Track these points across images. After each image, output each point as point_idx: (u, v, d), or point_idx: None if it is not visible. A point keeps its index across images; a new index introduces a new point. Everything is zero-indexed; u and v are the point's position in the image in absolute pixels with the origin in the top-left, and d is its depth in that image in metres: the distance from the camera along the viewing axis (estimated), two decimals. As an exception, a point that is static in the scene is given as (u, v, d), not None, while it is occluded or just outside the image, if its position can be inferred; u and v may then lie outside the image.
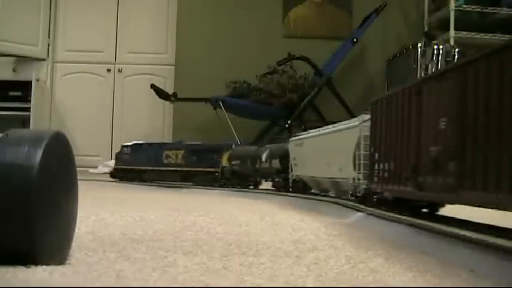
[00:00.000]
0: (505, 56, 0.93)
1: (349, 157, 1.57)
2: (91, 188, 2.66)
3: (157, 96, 5.30)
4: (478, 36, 5.46)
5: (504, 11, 5.46)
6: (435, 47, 5.20)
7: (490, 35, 5.48)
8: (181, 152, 4.07)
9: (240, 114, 5.13)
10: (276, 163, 2.71)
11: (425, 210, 1.15)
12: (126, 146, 4.56)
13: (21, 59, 6.05)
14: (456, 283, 0.65)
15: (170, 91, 5.43)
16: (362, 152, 1.49)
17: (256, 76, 5.27)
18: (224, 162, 3.65)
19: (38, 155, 0.63)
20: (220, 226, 1.17)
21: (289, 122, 5.02)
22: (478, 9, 5.46)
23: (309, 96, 5.10)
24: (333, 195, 2.00)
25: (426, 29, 5.95)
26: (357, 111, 5.30)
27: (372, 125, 1.40)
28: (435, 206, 1.15)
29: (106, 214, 1.30)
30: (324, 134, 2.10)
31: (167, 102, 5.63)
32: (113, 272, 0.64)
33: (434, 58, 5.19)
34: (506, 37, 5.42)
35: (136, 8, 6.25)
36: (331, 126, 2.19)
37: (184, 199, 2.21)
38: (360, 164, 1.50)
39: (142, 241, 0.90)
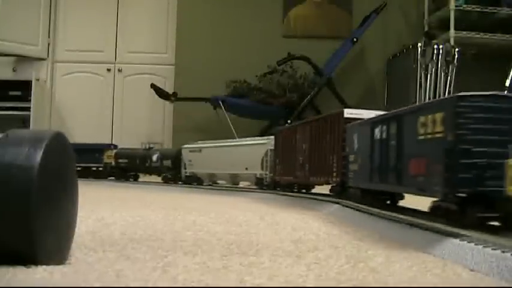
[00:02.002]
0: (320, 120, 2.11)
1: (258, 161, 2.52)
2: (91, 188, 2.67)
3: (157, 96, 5.30)
4: (478, 35, 5.46)
5: (504, 10, 5.46)
6: (435, 46, 5.21)
7: (490, 34, 5.48)
8: None
9: (240, 113, 5.13)
10: (167, 163, 3.62)
11: (388, 202, 1.35)
12: None
13: (21, 59, 6.04)
14: (456, 283, 0.65)
15: (170, 91, 5.43)
16: (269, 158, 2.45)
17: (256, 76, 5.27)
18: (106, 159, 4.68)
19: (38, 155, 0.63)
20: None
21: (289, 121, 5.02)
22: (478, 9, 5.47)
23: (308, 96, 5.10)
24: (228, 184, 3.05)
25: (426, 28, 5.95)
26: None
27: (275, 144, 2.39)
28: (395, 197, 1.33)
29: (106, 214, 1.30)
30: (229, 146, 3.11)
31: (167, 102, 5.63)
32: (113, 272, 0.64)
33: (434, 58, 5.20)
34: (506, 37, 5.43)
35: (136, 7, 6.25)
36: (235, 141, 3.35)
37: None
38: (267, 165, 2.47)
39: (142, 241, 0.90)
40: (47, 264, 0.65)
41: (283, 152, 2.26)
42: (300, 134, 1.97)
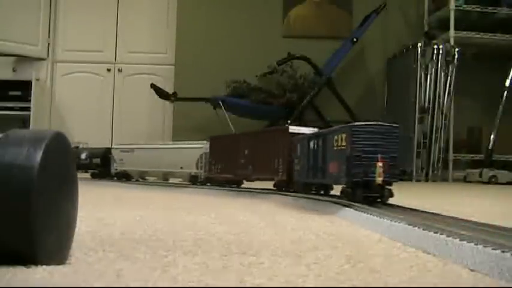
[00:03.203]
0: (265, 132, 2.60)
1: (193, 161, 2.98)
2: (91, 188, 2.66)
3: (157, 96, 5.31)
4: (478, 36, 5.47)
5: (504, 10, 5.47)
6: (435, 46, 5.21)
7: (490, 34, 5.49)
8: None
9: (239, 114, 5.14)
10: (97, 160, 3.92)
11: (322, 191, 1.87)
12: None
13: (21, 59, 6.05)
14: (456, 283, 0.65)
15: (170, 91, 5.44)
16: (203, 160, 2.89)
17: (256, 76, 5.28)
18: None
19: (38, 155, 0.63)
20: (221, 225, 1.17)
21: (289, 121, 5.02)
22: (478, 9, 5.47)
23: (308, 96, 5.10)
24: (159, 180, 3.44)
25: (426, 28, 5.96)
26: (356, 111, 5.32)
27: (210, 147, 2.81)
28: (327, 188, 1.86)
29: (106, 214, 1.30)
30: (164, 148, 3.48)
31: (167, 102, 5.64)
32: (113, 272, 0.64)
33: (434, 58, 5.20)
34: (506, 37, 5.43)
35: (136, 7, 6.25)
36: (170, 143, 3.95)
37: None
38: (202, 165, 2.91)
39: (142, 241, 0.90)
40: (47, 264, 0.65)
41: (220, 155, 2.71)
42: (241, 142, 2.50)
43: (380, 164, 1.36)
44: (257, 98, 5.04)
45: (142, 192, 2.54)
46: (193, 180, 2.98)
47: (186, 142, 3.30)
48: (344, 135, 1.43)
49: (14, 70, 6.09)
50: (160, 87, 5.32)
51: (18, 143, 0.65)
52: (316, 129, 1.94)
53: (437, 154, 5.26)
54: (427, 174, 5.24)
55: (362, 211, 1.30)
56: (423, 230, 0.93)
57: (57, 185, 0.69)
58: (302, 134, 1.93)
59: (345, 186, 1.50)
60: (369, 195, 1.40)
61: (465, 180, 5.12)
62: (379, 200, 1.40)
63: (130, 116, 6.15)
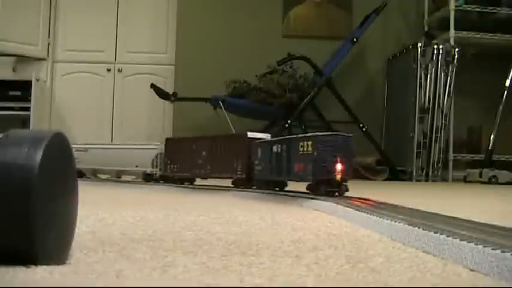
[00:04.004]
0: (224, 137, 2.69)
1: (149, 161, 3.13)
2: (90, 188, 2.66)
3: (157, 96, 5.31)
4: (478, 36, 5.48)
5: (504, 11, 5.47)
6: (435, 46, 5.22)
7: (490, 34, 5.49)
8: None
9: (239, 113, 5.14)
10: None
11: (277, 188, 2.15)
12: None
13: (21, 59, 6.06)
14: (456, 283, 0.65)
15: (170, 91, 5.45)
16: (159, 159, 3.06)
17: (256, 76, 5.28)
18: None
19: (38, 155, 0.63)
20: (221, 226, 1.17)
21: (289, 121, 5.03)
22: (478, 9, 5.48)
23: (308, 96, 5.11)
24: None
25: (426, 29, 5.97)
26: (356, 111, 5.32)
27: (165, 148, 3.00)
28: (283, 185, 2.15)
29: (106, 214, 1.30)
30: (120, 148, 3.60)
31: (167, 102, 5.64)
32: (113, 272, 0.64)
33: (434, 58, 5.21)
34: (506, 37, 5.43)
35: (136, 8, 6.26)
36: (126, 144, 3.85)
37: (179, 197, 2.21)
38: (157, 164, 3.08)
39: (142, 241, 0.90)
40: (47, 264, 0.65)
41: (176, 156, 2.92)
42: (198, 144, 2.74)
43: (339, 165, 1.70)
44: (257, 98, 5.04)
45: (142, 192, 2.55)
46: (148, 178, 3.17)
47: (143, 143, 3.54)
48: (310, 142, 1.77)
49: (14, 70, 6.09)
50: (160, 87, 5.32)
51: (18, 143, 0.65)
52: (269, 135, 2.34)
53: (437, 154, 5.26)
54: (427, 174, 5.25)
55: (362, 211, 1.31)
56: (423, 230, 0.93)
57: (57, 185, 0.69)
58: (259, 139, 2.26)
59: (310, 183, 1.84)
60: (329, 190, 1.73)
61: (465, 180, 5.13)
62: (337, 194, 1.74)
63: (131, 116, 6.15)
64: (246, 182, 2.34)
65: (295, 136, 1.92)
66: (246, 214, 1.45)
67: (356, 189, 1.85)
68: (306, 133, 1.91)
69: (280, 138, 2.05)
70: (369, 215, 1.23)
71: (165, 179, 3.01)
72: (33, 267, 0.63)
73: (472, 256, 0.74)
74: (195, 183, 2.89)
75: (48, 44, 6.20)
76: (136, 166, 3.28)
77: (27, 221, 0.62)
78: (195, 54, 5.99)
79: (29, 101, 5.73)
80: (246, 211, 1.57)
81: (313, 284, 0.62)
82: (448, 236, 0.84)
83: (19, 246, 0.63)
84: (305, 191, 1.89)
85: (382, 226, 1.11)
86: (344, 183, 1.74)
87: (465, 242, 0.78)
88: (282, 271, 0.68)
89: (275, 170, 2.02)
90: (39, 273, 0.61)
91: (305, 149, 1.79)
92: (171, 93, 5.28)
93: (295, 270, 0.69)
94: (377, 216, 1.18)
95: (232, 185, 2.48)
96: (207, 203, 1.92)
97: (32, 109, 5.73)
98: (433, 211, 1.27)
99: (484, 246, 0.73)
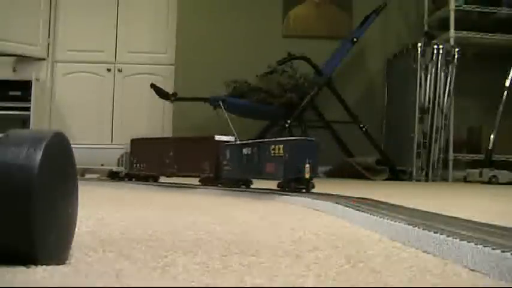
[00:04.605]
0: (192, 138, 2.99)
1: (114, 160, 3.27)
2: (90, 188, 2.66)
3: (157, 96, 5.31)
4: (478, 36, 5.48)
5: (504, 11, 5.47)
6: (435, 46, 5.22)
7: (490, 34, 5.49)
8: None
9: (239, 113, 5.14)
10: None
11: (243, 185, 2.38)
12: None
13: (21, 59, 6.06)
14: (456, 283, 0.65)
15: (170, 91, 5.45)
16: (125, 158, 3.19)
17: (256, 76, 5.28)
18: None
19: (38, 155, 0.63)
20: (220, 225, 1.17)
21: (289, 121, 5.03)
22: (478, 9, 5.48)
23: (308, 96, 5.10)
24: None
25: (426, 28, 5.97)
26: (356, 111, 5.33)
27: (131, 148, 3.15)
28: (248, 183, 2.38)
29: (106, 214, 1.30)
30: (86, 148, 3.62)
31: (167, 102, 5.64)
32: (113, 272, 0.64)
33: (434, 58, 5.21)
34: (506, 37, 5.44)
35: (136, 7, 6.26)
36: (91, 144, 4.01)
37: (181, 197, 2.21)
38: (123, 163, 3.21)
39: (142, 241, 0.90)
40: (47, 264, 0.65)
41: (142, 155, 3.09)
42: (165, 145, 2.92)
43: (307, 165, 1.92)
44: (257, 98, 5.04)
45: (142, 192, 2.55)
46: (113, 176, 3.35)
47: (108, 143, 3.76)
48: (282, 146, 2.00)
49: (14, 70, 6.09)
50: (160, 87, 5.32)
51: (18, 143, 0.65)
52: (233, 138, 2.57)
53: (437, 154, 5.26)
54: (427, 174, 5.25)
55: (362, 211, 1.31)
56: (423, 230, 0.93)
57: (57, 185, 0.69)
58: (226, 142, 2.51)
59: (281, 181, 2.07)
60: (299, 187, 1.97)
61: (465, 180, 5.13)
62: (304, 190, 1.97)
63: (131, 116, 6.15)
64: (214, 180, 2.54)
65: (265, 140, 2.18)
66: (246, 214, 1.45)
67: (356, 189, 1.86)
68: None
69: (250, 142, 2.32)
70: (369, 215, 1.23)
71: (130, 177, 3.21)
72: (33, 267, 0.63)
73: (472, 256, 0.74)
74: (161, 180, 3.12)
75: (48, 44, 6.20)
76: (102, 165, 3.45)
77: (27, 221, 0.62)
78: (195, 54, 5.99)
79: (29, 101, 5.73)
80: (246, 211, 1.57)
81: (313, 284, 0.62)
82: (448, 236, 0.84)
83: (19, 246, 0.63)
84: (270, 188, 2.14)
85: (382, 226, 1.11)
86: (311, 181, 1.96)
87: (465, 242, 0.78)
88: (282, 271, 0.68)
89: (246, 169, 2.26)
90: (39, 273, 0.61)
91: (276, 152, 2.02)
92: (171, 93, 5.28)
93: (295, 270, 0.69)
94: (377, 216, 1.18)
95: (199, 183, 2.69)
96: (207, 203, 1.93)
97: (32, 109, 5.73)
98: (433, 211, 1.27)
99: (484, 246, 0.73)
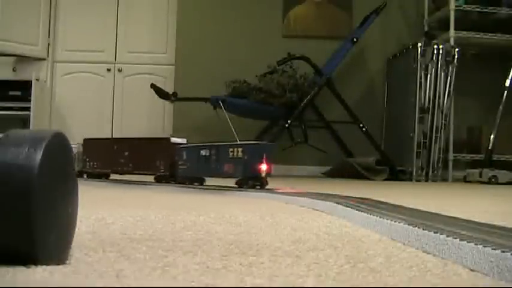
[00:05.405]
0: (147, 139, 3.11)
1: None
2: (90, 188, 2.66)
3: (157, 96, 5.31)
4: (478, 36, 5.48)
5: (504, 11, 5.47)
6: (435, 46, 5.22)
7: (490, 34, 5.49)
8: None
9: (239, 113, 5.14)
10: None
11: (196, 183, 2.62)
12: None
13: (21, 59, 6.06)
14: (456, 283, 0.65)
15: (170, 91, 5.45)
16: (77, 157, 3.22)
17: (256, 76, 5.28)
18: None
19: (38, 155, 0.63)
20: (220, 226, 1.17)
21: (289, 121, 5.03)
22: (478, 9, 5.48)
23: (308, 96, 5.11)
24: None
25: (426, 29, 5.97)
26: (356, 111, 5.32)
27: (84, 147, 3.30)
28: (202, 181, 2.64)
29: (106, 214, 1.30)
30: None
31: (167, 102, 5.65)
32: (113, 272, 0.64)
33: (434, 58, 5.21)
34: (506, 37, 5.44)
35: (136, 7, 6.26)
36: None
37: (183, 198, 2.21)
38: (76, 161, 3.20)
39: (142, 241, 0.90)
40: (47, 264, 0.65)
41: (95, 154, 3.25)
42: (119, 145, 3.09)
43: (264, 165, 2.20)
44: (257, 98, 5.04)
45: (142, 192, 2.55)
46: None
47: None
48: (241, 149, 2.24)
49: (14, 70, 6.09)
50: (160, 87, 5.32)
51: (18, 143, 0.65)
52: (185, 140, 2.79)
53: (437, 154, 5.26)
54: (427, 174, 5.25)
55: (362, 211, 1.31)
56: (423, 230, 0.93)
57: (57, 185, 0.69)
58: (180, 144, 2.72)
59: (239, 179, 2.31)
60: (255, 184, 2.23)
61: (465, 180, 5.13)
62: (258, 186, 2.22)
63: (131, 116, 6.15)
64: (169, 177, 2.78)
65: (224, 143, 2.41)
66: (246, 214, 1.45)
67: (356, 189, 1.86)
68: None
69: (208, 144, 2.53)
70: (369, 215, 1.23)
71: (81, 174, 3.37)
72: (33, 267, 0.63)
73: (472, 256, 0.74)
74: (114, 178, 3.30)
75: (48, 44, 6.20)
76: None
77: (27, 221, 0.62)
78: (195, 54, 5.99)
79: (29, 101, 5.74)
80: (246, 211, 1.57)
81: (313, 284, 0.62)
82: (448, 236, 0.84)
83: (19, 246, 0.63)
84: (223, 185, 2.42)
85: (382, 226, 1.11)
86: (266, 179, 2.25)
87: (465, 242, 0.78)
88: (282, 271, 0.68)
89: (203, 169, 2.50)
90: (39, 273, 0.61)
91: (235, 154, 2.27)
92: (171, 93, 5.28)
93: (295, 270, 0.69)
94: (377, 216, 1.18)
95: (154, 180, 2.91)
96: (206, 203, 1.93)
97: (32, 109, 5.74)
98: (433, 211, 1.27)
99: (484, 246, 0.73)
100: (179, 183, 2.70)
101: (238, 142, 2.27)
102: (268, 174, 2.23)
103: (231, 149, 2.30)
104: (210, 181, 2.79)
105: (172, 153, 2.73)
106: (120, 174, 3.20)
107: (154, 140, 3.12)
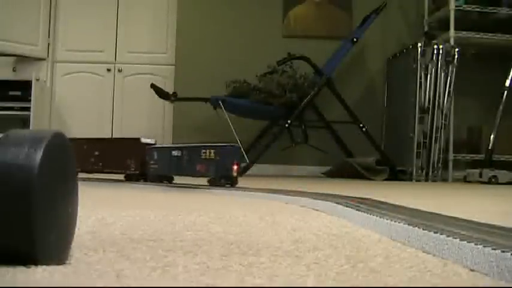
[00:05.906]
0: (118, 139, 3.43)
1: None
2: (90, 188, 2.66)
3: (157, 96, 5.31)
4: (478, 36, 5.48)
5: (504, 11, 5.47)
6: (435, 46, 5.22)
7: (490, 34, 5.50)
8: None
9: (239, 113, 5.14)
10: None
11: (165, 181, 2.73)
12: None
13: (21, 59, 6.06)
14: (456, 283, 0.65)
15: (170, 91, 5.45)
16: None
17: (256, 76, 5.28)
18: None
19: (38, 155, 0.63)
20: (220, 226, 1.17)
21: (289, 121, 5.03)
22: (478, 9, 5.48)
23: (308, 96, 5.10)
24: None
25: (426, 29, 5.97)
26: (356, 111, 5.33)
27: None
28: (170, 179, 2.76)
29: (106, 214, 1.30)
30: None
31: (167, 102, 5.64)
32: (113, 272, 0.64)
33: (434, 58, 5.21)
34: (506, 37, 5.44)
35: (136, 7, 6.26)
36: None
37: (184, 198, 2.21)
38: None
39: (142, 241, 0.90)
40: (47, 264, 0.65)
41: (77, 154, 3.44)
42: (89, 145, 3.15)
43: (235, 165, 2.34)
44: (257, 98, 5.04)
45: (142, 192, 2.55)
46: None
47: None
48: (213, 151, 2.39)
49: (14, 70, 6.09)
50: (160, 87, 5.32)
51: (18, 143, 0.65)
52: (153, 140, 2.87)
53: (437, 154, 5.26)
54: (427, 174, 5.25)
55: (362, 211, 1.30)
56: (423, 230, 0.93)
57: (57, 185, 0.69)
58: (150, 144, 2.83)
59: (211, 178, 2.44)
60: (227, 182, 2.35)
61: (465, 180, 5.13)
62: (229, 185, 2.35)
63: (131, 116, 6.15)
64: (139, 176, 2.89)
65: (196, 145, 2.55)
66: (246, 214, 1.45)
67: (356, 189, 1.86)
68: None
69: (180, 145, 2.65)
70: (369, 215, 1.23)
71: None
72: (33, 267, 0.63)
73: (472, 256, 0.74)
74: (82, 176, 3.35)
75: (48, 44, 6.20)
76: None
77: (27, 221, 0.62)
78: (195, 54, 5.99)
79: (29, 101, 5.73)
80: (245, 211, 1.57)
81: (313, 284, 0.62)
82: (448, 236, 0.84)
83: (19, 246, 0.63)
84: (200, 184, 2.51)
85: (382, 226, 1.11)
86: (236, 178, 2.38)
87: (465, 242, 0.78)
88: (282, 271, 0.68)
89: (174, 168, 2.63)
90: (39, 273, 0.61)
91: (207, 155, 2.42)
92: (171, 93, 5.28)
93: (295, 270, 0.69)
94: (377, 216, 1.18)
95: (125, 178, 3.01)
96: (206, 203, 1.93)
97: (32, 109, 5.73)
98: (433, 211, 1.27)
99: (484, 246, 0.73)
100: (150, 181, 2.81)
101: (210, 144, 2.43)
102: (238, 174, 2.39)
103: (203, 150, 2.45)
104: (179, 179, 2.88)
105: (143, 153, 2.83)
106: (89, 173, 3.22)
107: (125, 140, 3.20)
